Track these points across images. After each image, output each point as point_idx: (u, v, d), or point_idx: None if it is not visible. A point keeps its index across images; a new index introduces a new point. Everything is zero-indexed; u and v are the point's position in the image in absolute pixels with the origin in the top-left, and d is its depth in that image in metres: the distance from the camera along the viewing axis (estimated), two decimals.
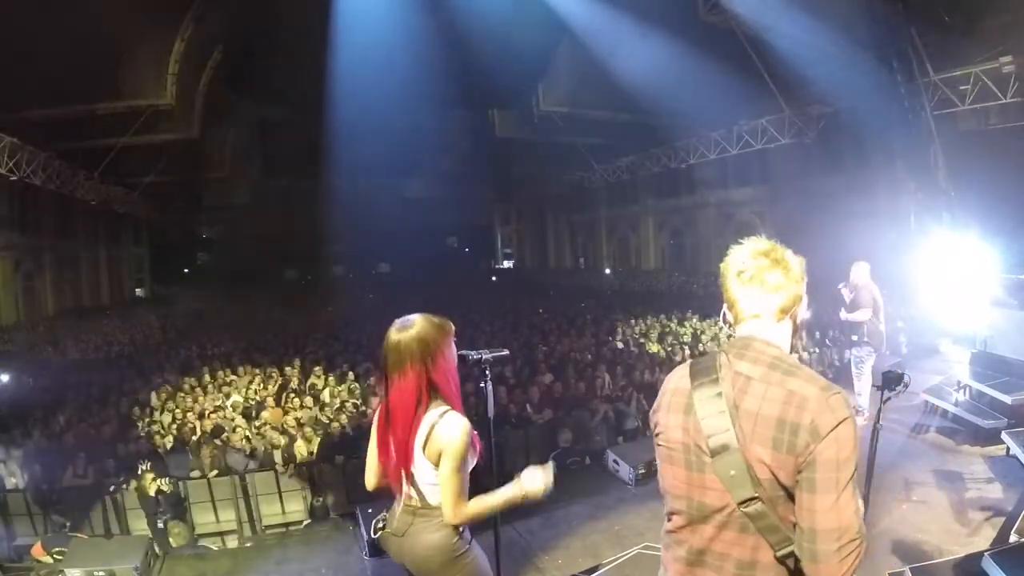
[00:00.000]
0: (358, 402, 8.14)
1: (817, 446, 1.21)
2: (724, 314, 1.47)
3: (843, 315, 5.79)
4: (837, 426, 1.22)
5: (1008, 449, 4.63)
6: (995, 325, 6.77)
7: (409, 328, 1.94)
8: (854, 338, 5.72)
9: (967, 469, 4.67)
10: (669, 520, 1.50)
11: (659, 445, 1.49)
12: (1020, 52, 10.36)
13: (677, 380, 1.48)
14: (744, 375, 1.35)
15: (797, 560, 1.27)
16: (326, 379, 9.55)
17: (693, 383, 1.40)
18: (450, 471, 1.87)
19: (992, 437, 5.00)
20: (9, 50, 12.72)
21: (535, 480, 1.99)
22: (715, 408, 1.34)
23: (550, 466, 2.05)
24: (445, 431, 1.88)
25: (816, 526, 1.21)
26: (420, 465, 1.92)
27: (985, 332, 6.86)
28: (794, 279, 1.39)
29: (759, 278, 1.38)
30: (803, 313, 1.44)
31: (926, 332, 8.97)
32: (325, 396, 8.62)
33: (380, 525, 2.08)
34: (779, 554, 1.28)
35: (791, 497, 1.26)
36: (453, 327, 2.03)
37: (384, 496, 2.14)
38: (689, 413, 1.39)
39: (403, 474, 1.96)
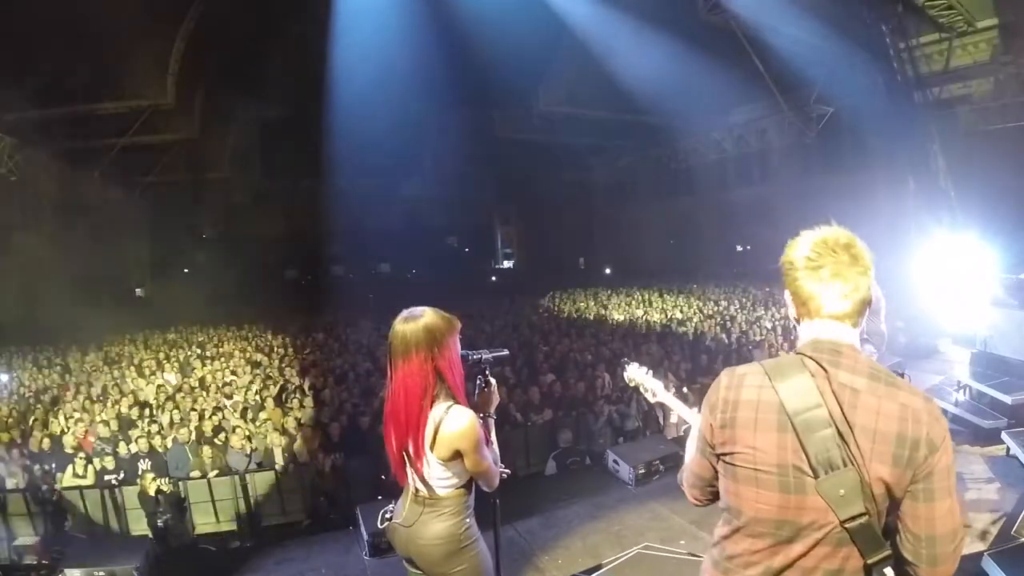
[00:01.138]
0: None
1: (934, 457, 1.21)
2: (790, 309, 1.36)
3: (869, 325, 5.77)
4: (946, 436, 1.23)
5: (1008, 449, 4.63)
6: (995, 325, 6.77)
7: (417, 318, 1.95)
8: None
9: (967, 469, 4.66)
10: (733, 541, 1.35)
11: (736, 465, 1.31)
12: (1020, 52, 10.37)
13: (757, 391, 1.30)
14: (849, 387, 1.24)
15: (894, 565, 1.26)
16: (326, 379, 9.55)
17: (782, 395, 1.26)
18: (476, 459, 1.93)
19: (992, 437, 5.00)
20: (9, 50, 12.73)
21: (489, 400, 2.16)
22: (820, 423, 1.22)
23: (489, 379, 2.20)
24: (454, 428, 1.89)
25: (936, 532, 1.22)
26: (428, 461, 1.93)
27: (985, 332, 6.86)
28: (870, 275, 1.28)
29: (841, 275, 1.26)
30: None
31: (926, 332, 8.97)
32: (325, 396, 8.62)
33: (387, 516, 2.09)
34: (870, 561, 1.24)
35: (896, 507, 1.25)
36: (459, 323, 2.05)
37: (384, 496, 2.15)
38: (785, 431, 1.25)
39: (409, 466, 1.96)
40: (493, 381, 2.19)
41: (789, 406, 1.24)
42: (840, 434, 1.22)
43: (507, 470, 2.17)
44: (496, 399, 2.20)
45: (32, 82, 13.97)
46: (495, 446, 2.11)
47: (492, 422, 2.15)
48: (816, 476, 1.22)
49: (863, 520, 1.21)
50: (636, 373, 2.08)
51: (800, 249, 1.30)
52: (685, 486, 1.54)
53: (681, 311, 13.27)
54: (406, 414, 1.92)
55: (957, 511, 1.24)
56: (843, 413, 1.23)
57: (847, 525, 1.22)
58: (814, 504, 1.23)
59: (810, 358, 1.27)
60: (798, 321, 1.34)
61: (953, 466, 1.24)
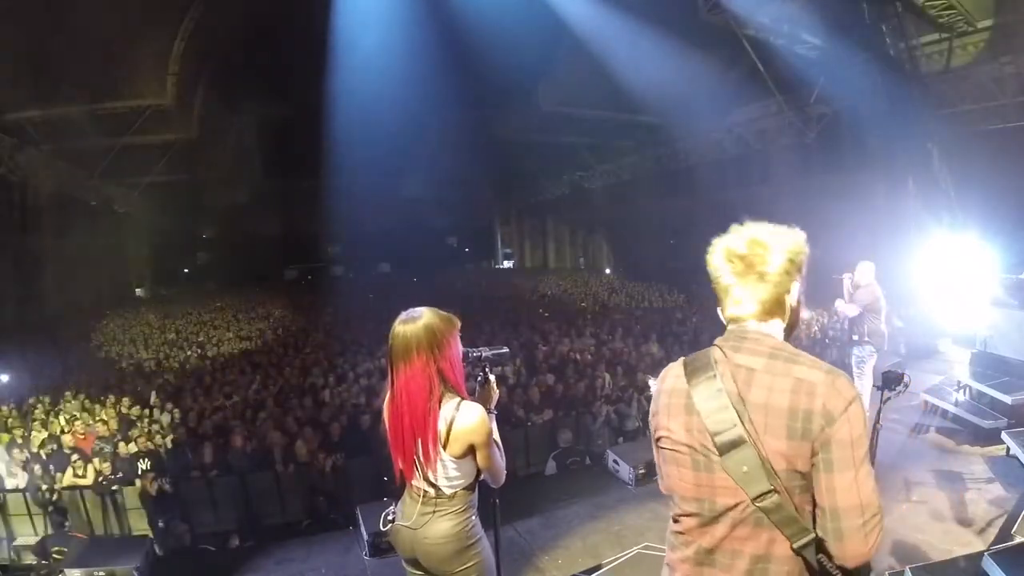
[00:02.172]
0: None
1: (831, 428, 1.23)
2: (719, 308, 1.44)
3: (837, 304, 5.79)
4: (848, 407, 1.24)
5: (1008, 449, 4.63)
6: (995, 325, 6.77)
7: (416, 319, 1.94)
8: (855, 337, 5.71)
9: (967, 469, 4.66)
10: (676, 522, 1.45)
11: (662, 448, 1.45)
12: (1020, 52, 10.37)
13: (673, 380, 1.43)
14: (745, 367, 1.32)
15: (817, 547, 1.26)
16: (326, 379, 9.55)
17: (690, 381, 1.36)
18: (487, 454, 1.95)
19: (992, 437, 4.99)
20: (9, 50, 12.73)
21: (488, 396, 2.14)
22: (718, 404, 1.30)
23: (488, 375, 2.17)
24: (466, 422, 1.89)
25: (838, 504, 1.23)
26: (443, 460, 1.92)
27: (985, 332, 6.86)
28: (769, 279, 1.34)
29: (738, 283, 1.36)
30: (799, 305, 1.40)
31: (926, 332, 8.96)
32: (325, 396, 8.63)
33: (390, 518, 2.08)
34: (796, 545, 1.26)
35: (808, 485, 1.27)
36: (459, 322, 2.04)
37: (384, 497, 2.15)
38: (691, 413, 1.35)
39: (417, 466, 1.95)
40: (493, 377, 2.19)
41: (694, 391, 1.35)
42: (737, 413, 1.28)
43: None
44: (496, 395, 2.20)
45: (32, 82, 13.97)
46: (499, 443, 2.11)
47: (493, 418, 2.15)
48: (721, 454, 1.29)
49: (773, 499, 1.25)
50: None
51: (711, 256, 1.41)
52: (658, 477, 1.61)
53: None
54: (411, 417, 1.91)
55: (865, 486, 1.23)
56: (739, 392, 1.30)
57: (758, 503, 1.26)
58: (723, 482, 1.30)
59: (718, 346, 1.39)
60: (727, 319, 1.44)
61: (859, 439, 1.24)
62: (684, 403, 1.37)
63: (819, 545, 1.26)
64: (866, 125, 14.00)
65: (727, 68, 13.85)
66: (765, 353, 1.32)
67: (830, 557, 1.26)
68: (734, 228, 1.41)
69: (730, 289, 1.37)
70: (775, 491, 1.25)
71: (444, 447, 1.90)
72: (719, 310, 1.44)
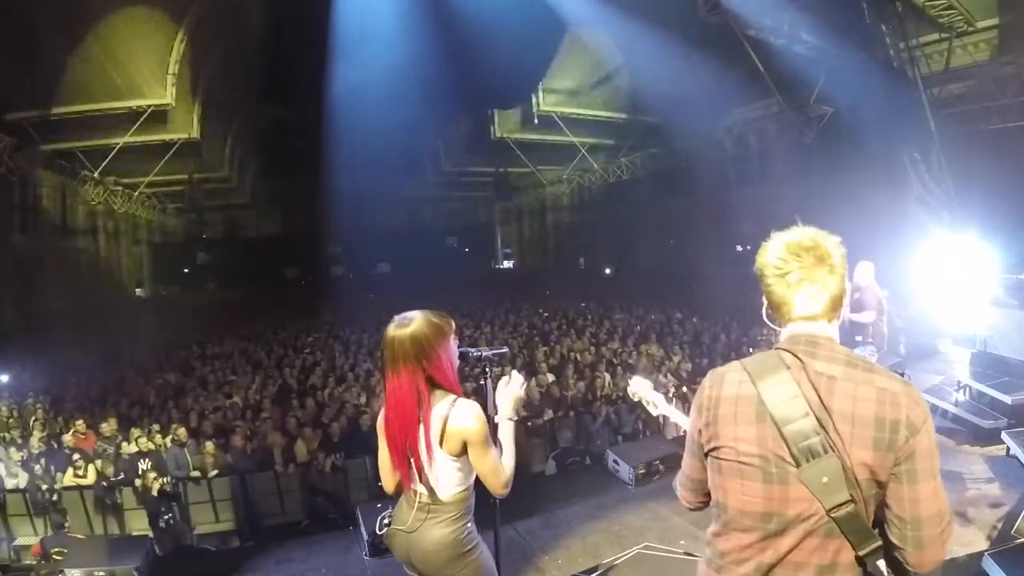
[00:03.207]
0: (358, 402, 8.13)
1: (915, 439, 1.22)
2: (766, 312, 1.40)
3: (847, 315, 5.77)
4: (927, 417, 1.25)
5: (1008, 449, 4.63)
6: (995, 325, 6.77)
7: (406, 326, 1.92)
8: (858, 338, 5.70)
9: (967, 469, 4.66)
10: (724, 538, 1.36)
11: (721, 460, 1.34)
12: (1020, 52, 10.37)
13: (736, 386, 1.33)
14: (826, 374, 1.27)
15: (886, 554, 1.26)
16: (326, 379, 9.55)
17: (760, 387, 1.29)
18: (481, 454, 1.89)
19: (992, 437, 4.99)
20: (9, 50, 12.73)
21: (508, 401, 2.04)
22: (797, 412, 1.24)
23: (514, 374, 2.10)
24: (461, 420, 1.88)
25: (921, 514, 1.23)
26: (438, 460, 1.91)
27: (985, 332, 6.86)
28: (840, 273, 1.32)
29: (808, 278, 1.31)
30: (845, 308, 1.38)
31: (926, 332, 8.96)
32: (325, 396, 8.62)
33: (386, 521, 2.07)
34: (861, 552, 1.24)
35: (881, 494, 1.26)
36: (454, 324, 2.02)
37: (384, 497, 2.13)
38: (763, 421, 1.27)
39: (413, 471, 1.95)
40: (520, 377, 2.09)
41: (767, 397, 1.27)
42: (819, 421, 1.24)
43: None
44: (518, 398, 2.07)
45: (32, 82, 13.96)
46: (510, 450, 2.00)
47: (512, 426, 2.04)
48: (798, 465, 1.24)
49: (849, 508, 1.22)
50: (638, 386, 2.10)
51: (768, 255, 1.35)
52: (677, 486, 1.56)
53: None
54: (401, 423, 1.91)
55: (942, 494, 1.25)
56: (821, 400, 1.25)
57: (833, 514, 1.22)
58: (798, 494, 1.24)
59: (787, 351, 1.32)
60: (774, 323, 1.40)
61: (935, 449, 1.25)
62: (755, 411, 1.29)
63: (886, 552, 1.26)
64: (866, 125, 13.98)
65: (727, 68, 13.83)
66: (842, 360, 1.28)
67: (894, 563, 1.27)
68: (776, 233, 1.36)
69: (801, 285, 1.31)
70: (852, 501, 1.22)
71: (441, 444, 1.89)
72: (768, 312, 1.39)
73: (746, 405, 1.31)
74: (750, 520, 1.30)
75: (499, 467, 1.93)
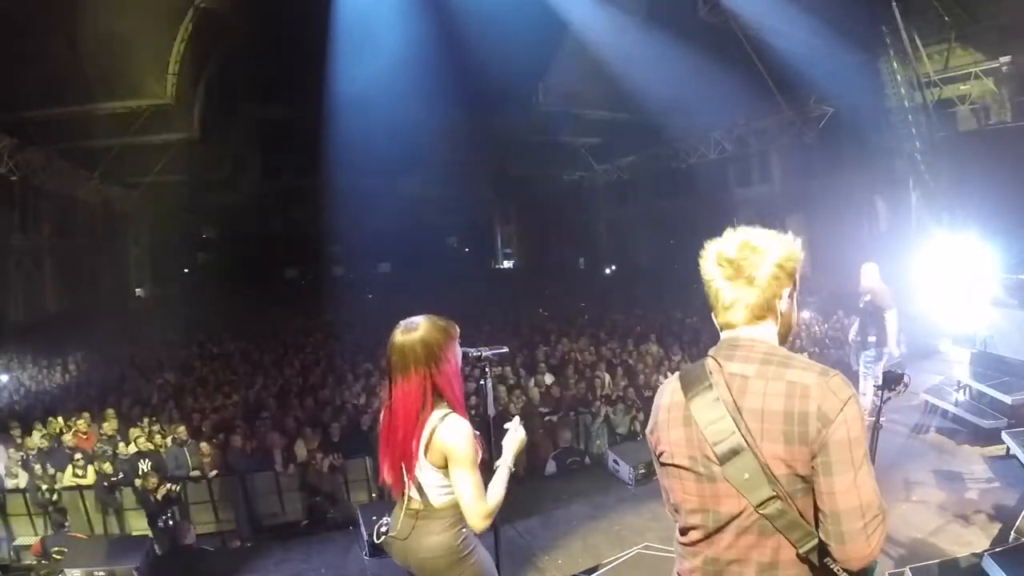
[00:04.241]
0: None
1: (828, 430, 1.22)
2: (712, 314, 1.44)
3: (889, 324, 5.64)
4: (843, 408, 1.23)
5: (1008, 449, 4.63)
6: (995, 325, 6.77)
7: (414, 331, 1.92)
8: (871, 339, 5.69)
9: (967, 469, 4.66)
10: (683, 535, 1.43)
11: (663, 464, 1.43)
12: (1020, 52, 10.37)
13: (670, 395, 1.43)
14: (739, 375, 1.32)
15: (820, 553, 1.25)
16: (325, 379, 9.55)
17: (687, 394, 1.36)
18: (463, 475, 1.86)
19: (992, 437, 4.99)
20: (9, 50, 12.73)
21: (512, 445, 2.05)
22: (716, 414, 1.30)
23: (516, 420, 2.11)
24: (447, 435, 1.87)
25: (839, 507, 1.22)
26: (423, 468, 1.91)
27: (985, 332, 6.86)
28: (758, 283, 1.33)
29: (726, 287, 1.35)
30: (791, 311, 1.38)
31: (926, 332, 8.97)
32: (325, 396, 8.62)
33: (383, 529, 2.07)
34: (802, 550, 1.25)
35: (809, 489, 1.26)
36: (458, 329, 2.03)
37: (384, 497, 2.13)
38: (689, 425, 1.34)
39: (405, 477, 1.95)
40: (522, 429, 2.09)
41: (691, 403, 1.34)
42: (734, 421, 1.28)
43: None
44: (520, 448, 2.07)
45: (32, 82, 13.96)
46: (500, 490, 1.96)
47: (507, 473, 2.02)
48: (721, 463, 1.28)
49: (776, 505, 1.24)
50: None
51: (708, 253, 1.40)
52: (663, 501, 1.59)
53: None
54: (404, 431, 1.91)
55: (866, 487, 1.23)
56: (734, 400, 1.30)
57: (762, 511, 1.25)
58: (726, 491, 1.29)
59: (712, 357, 1.39)
60: (720, 326, 1.44)
61: (857, 441, 1.23)
62: (682, 416, 1.36)
63: (824, 549, 1.26)
64: (866, 125, 13.99)
65: (727, 68, 13.83)
66: (757, 359, 1.32)
67: (836, 560, 1.25)
68: (728, 231, 1.40)
69: (720, 293, 1.37)
70: (777, 497, 1.24)
71: (426, 454, 1.89)
72: (712, 315, 1.44)
73: (676, 410, 1.39)
74: (694, 518, 1.37)
75: (479, 496, 1.88)
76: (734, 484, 1.27)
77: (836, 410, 1.22)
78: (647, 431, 1.51)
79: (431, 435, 1.88)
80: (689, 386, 1.37)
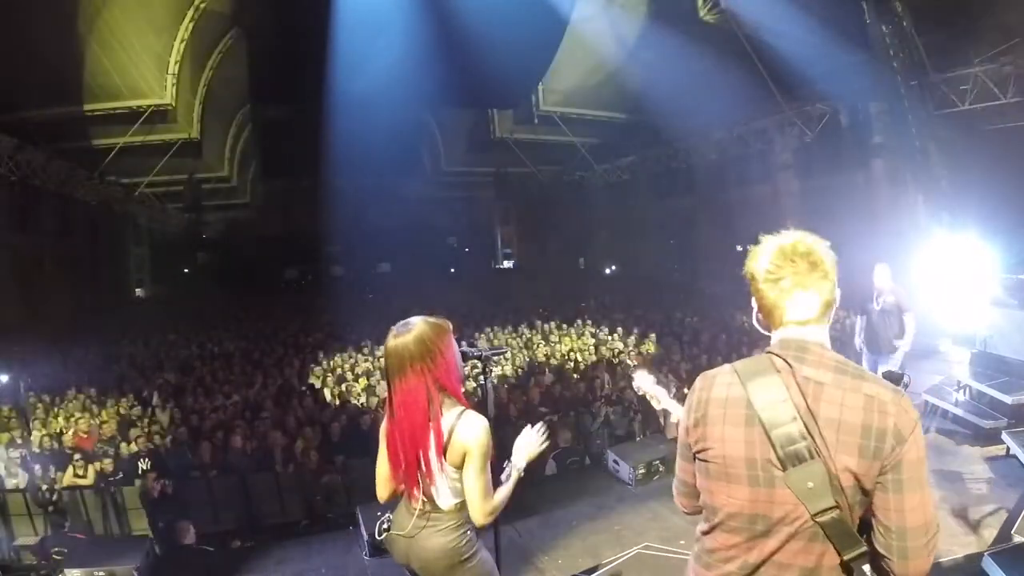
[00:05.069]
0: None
1: (902, 448, 1.22)
2: (756, 317, 1.40)
3: (910, 325, 5.65)
4: (915, 427, 1.24)
5: (1008, 449, 4.63)
6: (995, 325, 6.77)
7: (407, 331, 1.92)
8: (896, 342, 5.69)
9: (967, 469, 4.66)
10: (711, 536, 1.38)
11: (708, 462, 1.35)
12: (1020, 52, 10.36)
13: (726, 388, 1.35)
14: (813, 380, 1.27)
15: (872, 561, 1.26)
16: (325, 379, 9.55)
17: (749, 390, 1.30)
18: (477, 470, 1.88)
19: (992, 437, 4.99)
20: (9, 50, 12.73)
21: (523, 453, 2.08)
22: (785, 416, 1.25)
23: (532, 431, 2.12)
24: (467, 431, 1.87)
25: (907, 524, 1.22)
26: (443, 469, 1.91)
27: (985, 332, 6.86)
28: (832, 279, 1.33)
29: (801, 284, 1.31)
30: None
31: (926, 332, 8.97)
32: (325, 396, 8.63)
33: (385, 526, 2.07)
34: (847, 557, 1.24)
35: (867, 501, 1.26)
36: (451, 325, 2.03)
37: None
38: (752, 425, 1.28)
39: (417, 478, 1.94)
40: (534, 435, 2.12)
41: (755, 401, 1.28)
42: (806, 427, 1.24)
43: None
44: (532, 453, 2.12)
45: (32, 82, 13.96)
46: (507, 491, 2.02)
47: (517, 476, 2.08)
48: (784, 469, 1.24)
49: (834, 514, 1.22)
50: (642, 381, 2.12)
51: (760, 260, 1.34)
52: (675, 493, 1.56)
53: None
54: (411, 432, 1.90)
55: (929, 505, 1.24)
56: (808, 406, 1.25)
57: (818, 519, 1.23)
58: (784, 498, 1.25)
59: (777, 356, 1.32)
60: (765, 328, 1.39)
61: (924, 460, 1.24)
62: (744, 413, 1.30)
63: (874, 560, 1.26)
64: (866, 125, 13.99)
65: (727, 68, 13.82)
66: (831, 367, 1.28)
67: (880, 570, 1.26)
68: (766, 236, 1.36)
69: (794, 290, 1.31)
70: (838, 507, 1.23)
71: (444, 455, 1.89)
72: (759, 317, 1.39)
73: (735, 407, 1.32)
74: (736, 521, 1.32)
75: (489, 492, 1.92)
76: (795, 491, 1.24)
77: (910, 429, 1.23)
78: (687, 423, 1.42)
79: (450, 435, 1.87)
80: (751, 382, 1.31)
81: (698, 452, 1.38)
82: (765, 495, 1.27)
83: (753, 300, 1.39)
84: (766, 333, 1.40)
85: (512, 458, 2.09)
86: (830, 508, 1.22)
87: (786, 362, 1.30)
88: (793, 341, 1.32)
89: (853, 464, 1.22)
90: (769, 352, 1.35)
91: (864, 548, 1.25)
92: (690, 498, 1.50)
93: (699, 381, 1.43)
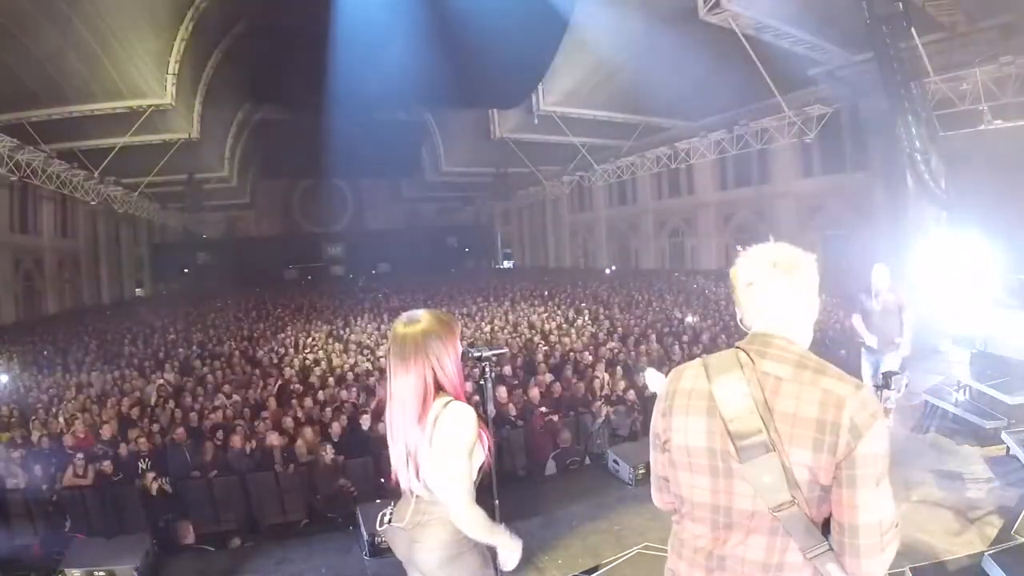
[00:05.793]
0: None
1: (857, 443, 1.22)
2: (740, 320, 1.45)
3: (907, 322, 5.64)
4: (874, 422, 1.23)
5: (1008, 449, 4.64)
6: (995, 325, 6.77)
7: (416, 323, 1.92)
8: (898, 340, 5.69)
9: (967, 469, 4.67)
10: (682, 527, 1.41)
11: (669, 451, 1.40)
12: (1020, 52, 10.37)
13: (692, 380, 1.40)
14: (772, 375, 1.30)
15: (826, 559, 1.25)
16: (325, 379, 9.54)
17: (713, 382, 1.33)
18: (456, 464, 1.84)
19: (992, 437, 5.00)
20: (9, 50, 12.74)
21: (509, 557, 2.02)
22: (744, 408, 1.27)
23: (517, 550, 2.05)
24: (449, 422, 1.86)
25: (858, 521, 1.22)
26: (427, 459, 1.91)
27: (985, 332, 6.86)
28: (808, 285, 1.37)
29: (772, 290, 1.36)
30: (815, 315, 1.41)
31: (926, 332, 8.97)
32: (325, 396, 8.62)
33: (387, 518, 2.07)
34: (810, 556, 1.25)
35: (826, 497, 1.26)
36: (459, 325, 2.02)
37: (384, 497, 2.13)
38: (713, 415, 1.31)
39: (409, 468, 1.94)
40: (515, 556, 2.04)
41: (717, 393, 1.32)
42: (763, 421, 1.26)
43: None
44: (507, 557, 2.05)
45: (32, 82, 13.97)
46: (485, 527, 1.95)
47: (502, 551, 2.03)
48: (742, 460, 1.26)
49: (792, 509, 1.23)
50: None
51: (737, 269, 1.40)
52: (652, 490, 1.58)
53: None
54: (404, 420, 1.90)
55: (885, 503, 1.23)
56: (765, 400, 1.28)
57: (777, 513, 1.24)
58: (742, 490, 1.28)
59: (743, 350, 1.37)
60: (748, 330, 1.44)
61: (882, 456, 1.24)
62: (706, 405, 1.34)
63: (832, 555, 1.26)
64: (866, 125, 14.00)
65: (727, 68, 13.83)
66: (792, 362, 1.31)
67: (842, 568, 1.25)
68: (754, 246, 1.42)
69: (767, 295, 1.36)
70: (794, 502, 1.23)
71: (430, 443, 1.88)
72: (740, 317, 1.44)
73: (698, 399, 1.36)
74: (701, 511, 1.35)
75: (470, 497, 1.87)
76: (752, 484, 1.25)
77: (867, 424, 1.22)
78: (656, 414, 1.47)
79: (434, 424, 1.87)
80: (716, 374, 1.34)
81: (665, 442, 1.42)
82: (725, 486, 1.30)
83: (736, 304, 1.46)
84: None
85: (500, 552, 2.02)
86: (787, 503, 1.23)
87: (749, 356, 1.34)
88: (759, 336, 1.37)
89: (808, 458, 1.23)
90: (737, 347, 1.39)
91: (827, 545, 1.25)
92: (664, 492, 1.52)
93: (671, 373, 1.48)
